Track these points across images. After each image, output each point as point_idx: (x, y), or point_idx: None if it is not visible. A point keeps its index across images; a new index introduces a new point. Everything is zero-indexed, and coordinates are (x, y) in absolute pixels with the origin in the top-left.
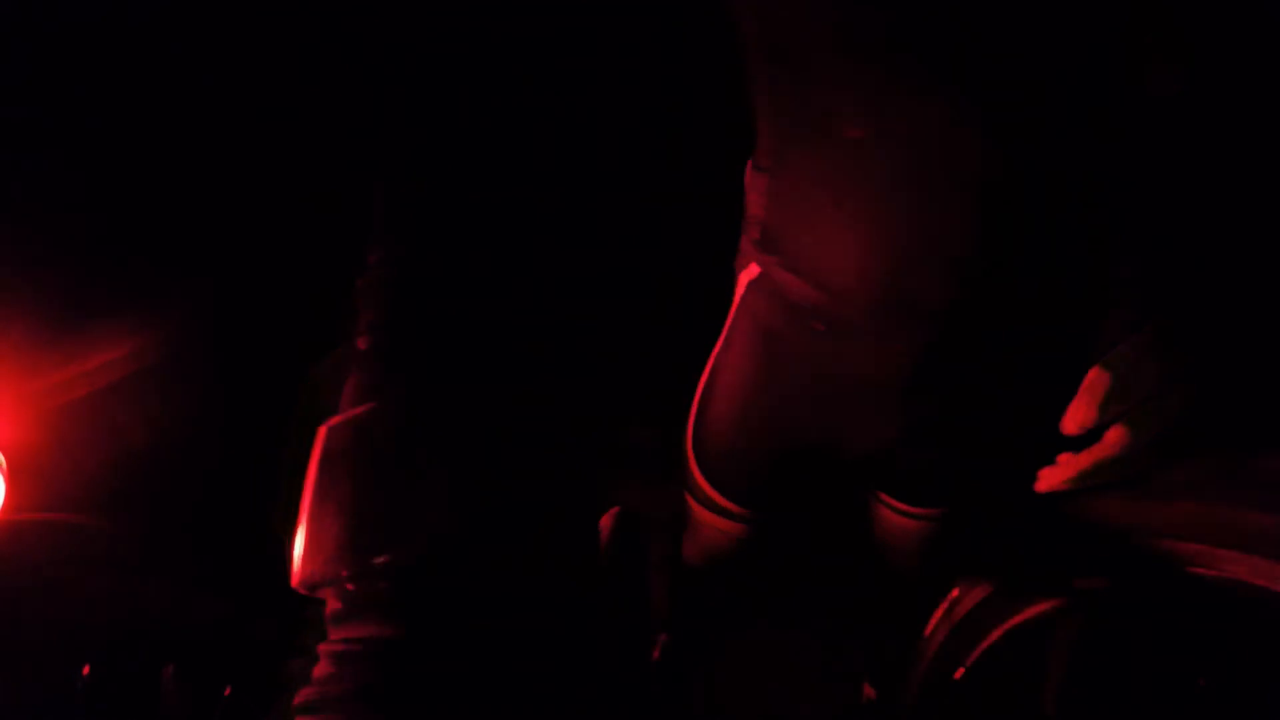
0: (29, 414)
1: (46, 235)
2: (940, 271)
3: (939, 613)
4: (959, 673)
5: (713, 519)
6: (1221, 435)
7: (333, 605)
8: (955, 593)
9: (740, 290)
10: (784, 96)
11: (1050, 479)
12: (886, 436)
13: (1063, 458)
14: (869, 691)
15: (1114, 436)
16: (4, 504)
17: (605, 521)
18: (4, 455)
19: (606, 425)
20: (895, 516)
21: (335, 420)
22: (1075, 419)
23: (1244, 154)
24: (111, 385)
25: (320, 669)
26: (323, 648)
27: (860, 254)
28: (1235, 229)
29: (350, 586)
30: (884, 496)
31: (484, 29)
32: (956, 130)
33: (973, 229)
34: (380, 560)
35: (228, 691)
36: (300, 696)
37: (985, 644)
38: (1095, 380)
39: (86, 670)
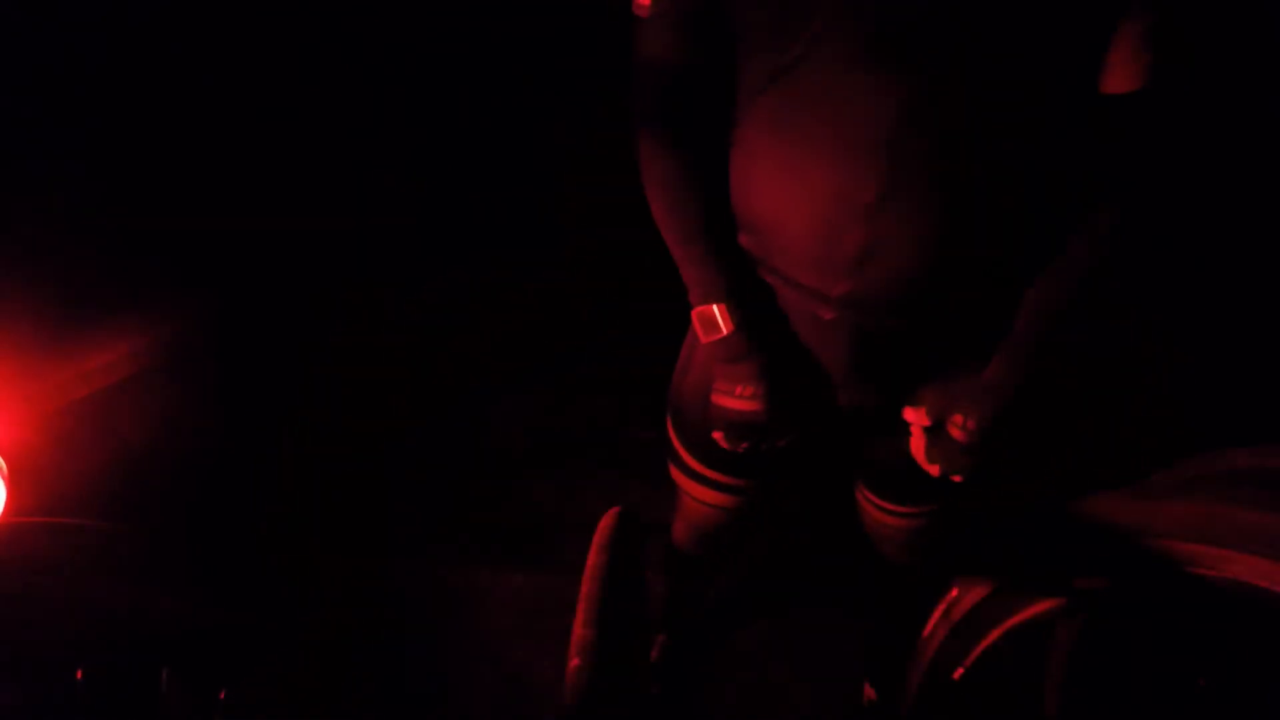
0: (29, 417)
1: (46, 238)
2: (856, 224)
3: (938, 613)
4: (959, 673)
5: (697, 489)
6: (1221, 435)
7: None
8: (955, 593)
9: None
10: (754, 71)
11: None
12: (850, 400)
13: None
14: (869, 692)
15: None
16: (5, 507)
17: (605, 521)
18: (5, 459)
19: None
20: (879, 514)
21: None
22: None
23: (1240, 153)
24: (111, 388)
25: None
26: None
27: (792, 208)
28: (1233, 229)
29: None
30: (869, 494)
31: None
32: (872, 97)
33: (883, 184)
34: None
35: (222, 695)
36: None
37: (985, 644)
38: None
39: (80, 675)
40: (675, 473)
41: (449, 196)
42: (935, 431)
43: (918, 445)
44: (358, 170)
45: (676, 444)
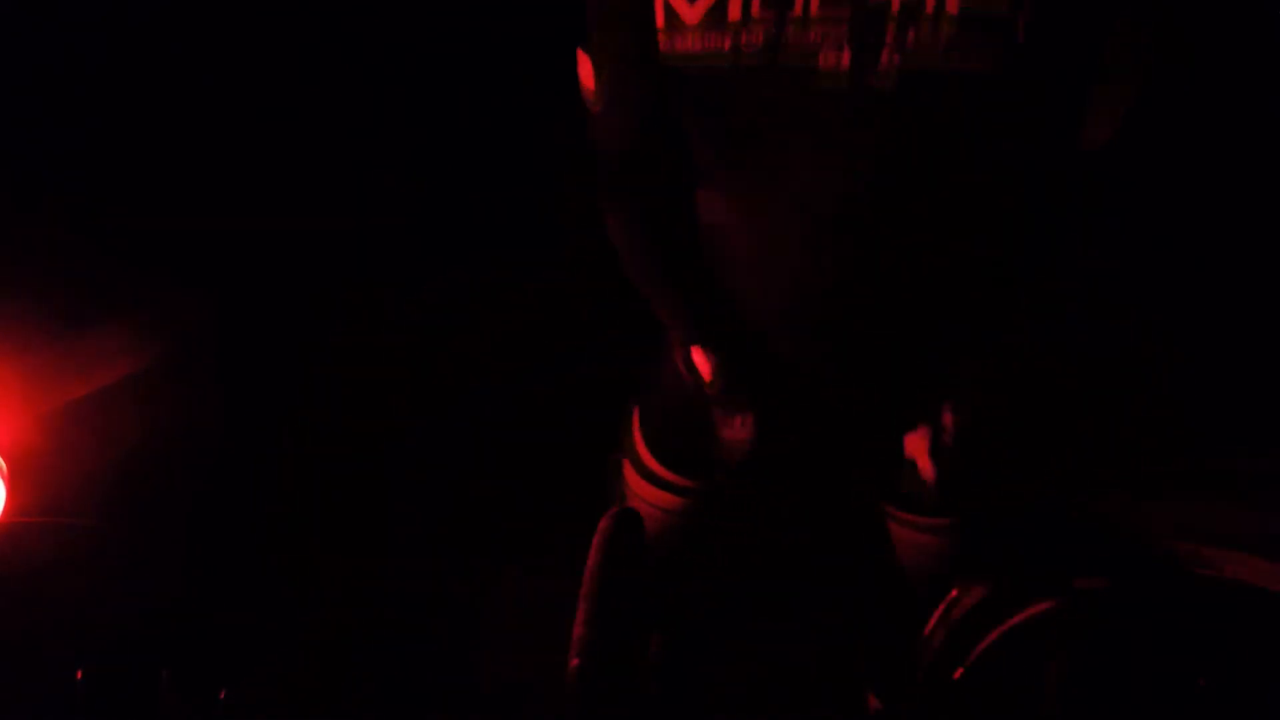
0: (29, 417)
1: (46, 238)
2: (845, 239)
3: (939, 613)
4: (959, 673)
5: (649, 491)
6: (1221, 435)
7: None
8: (955, 593)
9: None
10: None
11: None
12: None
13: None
14: (873, 701)
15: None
16: (5, 507)
17: (605, 521)
18: (5, 459)
19: None
20: (907, 531)
21: None
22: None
23: (1239, 154)
24: (111, 388)
25: None
26: None
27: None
28: (1233, 230)
29: None
30: (891, 510)
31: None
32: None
33: (869, 190)
34: None
35: (222, 695)
36: None
37: (985, 644)
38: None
39: (80, 675)
40: (628, 470)
41: (449, 196)
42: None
43: (925, 466)
44: (358, 170)
45: (639, 439)
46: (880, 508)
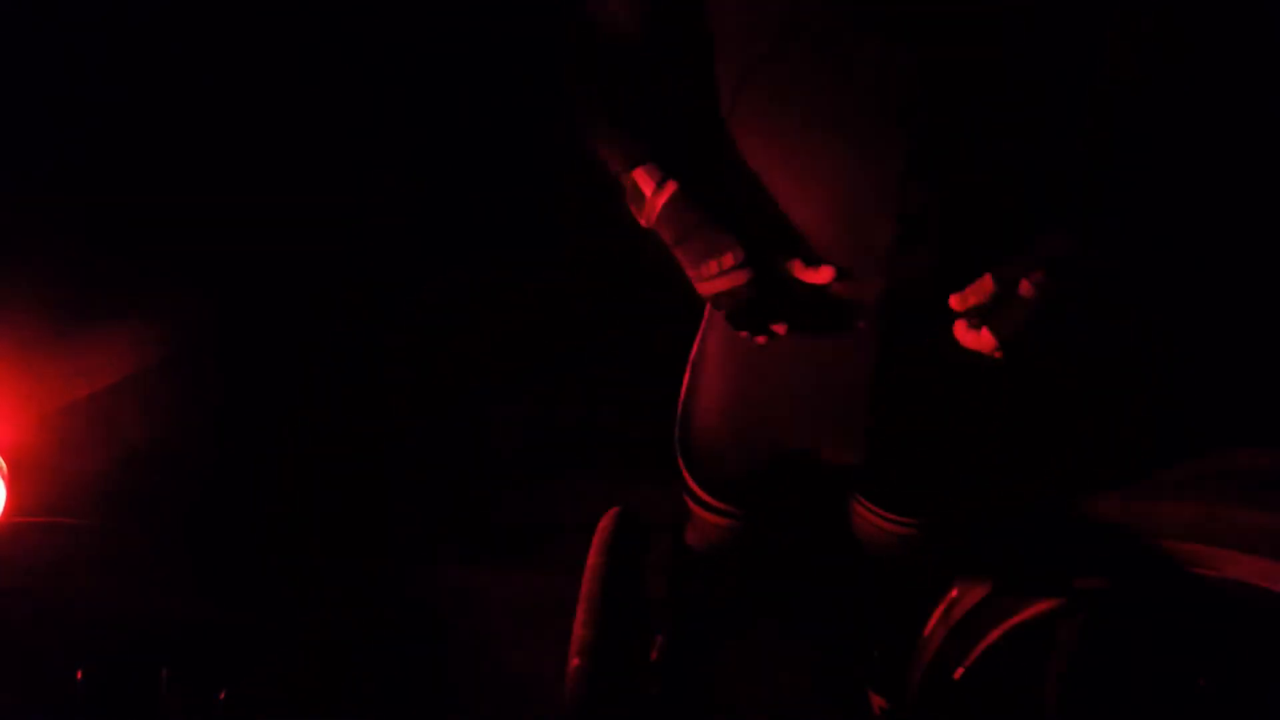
0: (29, 417)
1: (46, 238)
2: (887, 201)
3: (938, 613)
4: (959, 673)
5: (707, 515)
6: (1221, 435)
7: None
8: (955, 593)
9: None
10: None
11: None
12: (860, 444)
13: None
14: (874, 701)
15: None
16: (5, 507)
17: (605, 522)
18: (5, 459)
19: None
20: (877, 521)
21: None
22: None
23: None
24: (111, 387)
25: None
26: None
27: (806, 203)
28: (1233, 230)
29: None
30: (864, 500)
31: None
32: (889, 72)
33: (908, 151)
34: None
35: (222, 695)
36: None
37: (985, 644)
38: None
39: (80, 675)
40: (686, 498)
41: (449, 196)
42: (1001, 293)
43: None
44: (358, 170)
45: (686, 475)
46: (853, 500)
